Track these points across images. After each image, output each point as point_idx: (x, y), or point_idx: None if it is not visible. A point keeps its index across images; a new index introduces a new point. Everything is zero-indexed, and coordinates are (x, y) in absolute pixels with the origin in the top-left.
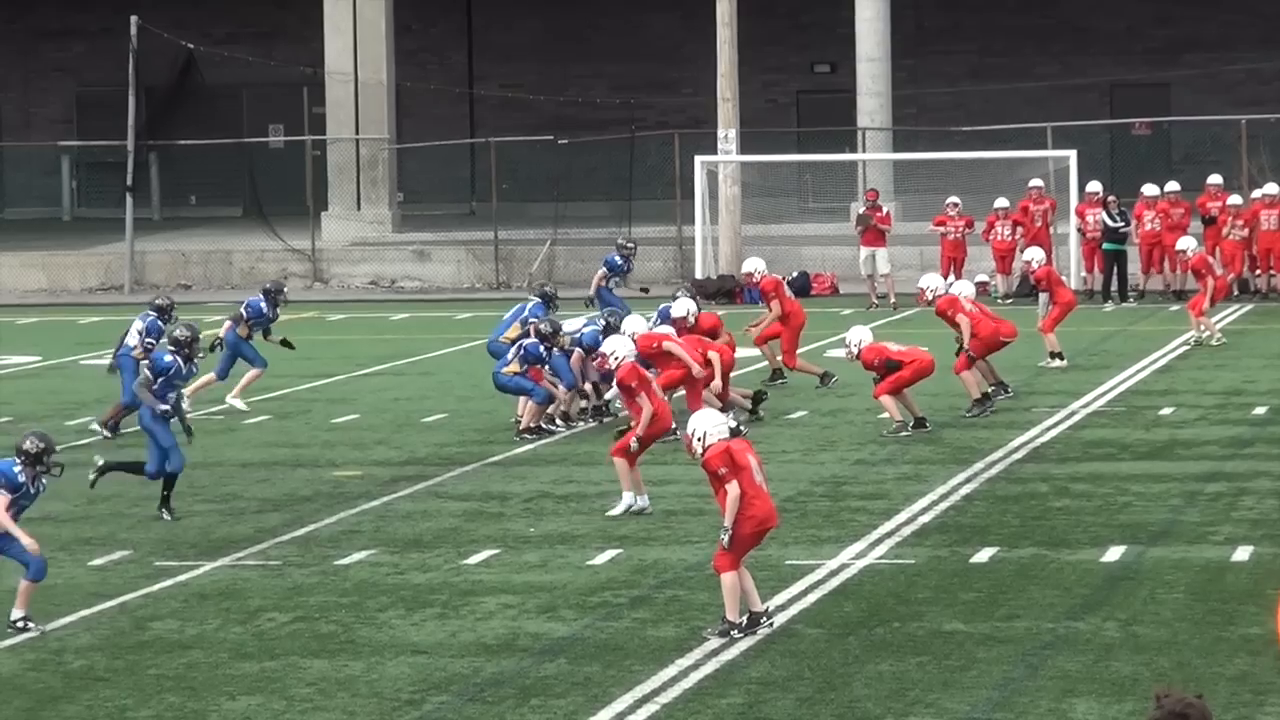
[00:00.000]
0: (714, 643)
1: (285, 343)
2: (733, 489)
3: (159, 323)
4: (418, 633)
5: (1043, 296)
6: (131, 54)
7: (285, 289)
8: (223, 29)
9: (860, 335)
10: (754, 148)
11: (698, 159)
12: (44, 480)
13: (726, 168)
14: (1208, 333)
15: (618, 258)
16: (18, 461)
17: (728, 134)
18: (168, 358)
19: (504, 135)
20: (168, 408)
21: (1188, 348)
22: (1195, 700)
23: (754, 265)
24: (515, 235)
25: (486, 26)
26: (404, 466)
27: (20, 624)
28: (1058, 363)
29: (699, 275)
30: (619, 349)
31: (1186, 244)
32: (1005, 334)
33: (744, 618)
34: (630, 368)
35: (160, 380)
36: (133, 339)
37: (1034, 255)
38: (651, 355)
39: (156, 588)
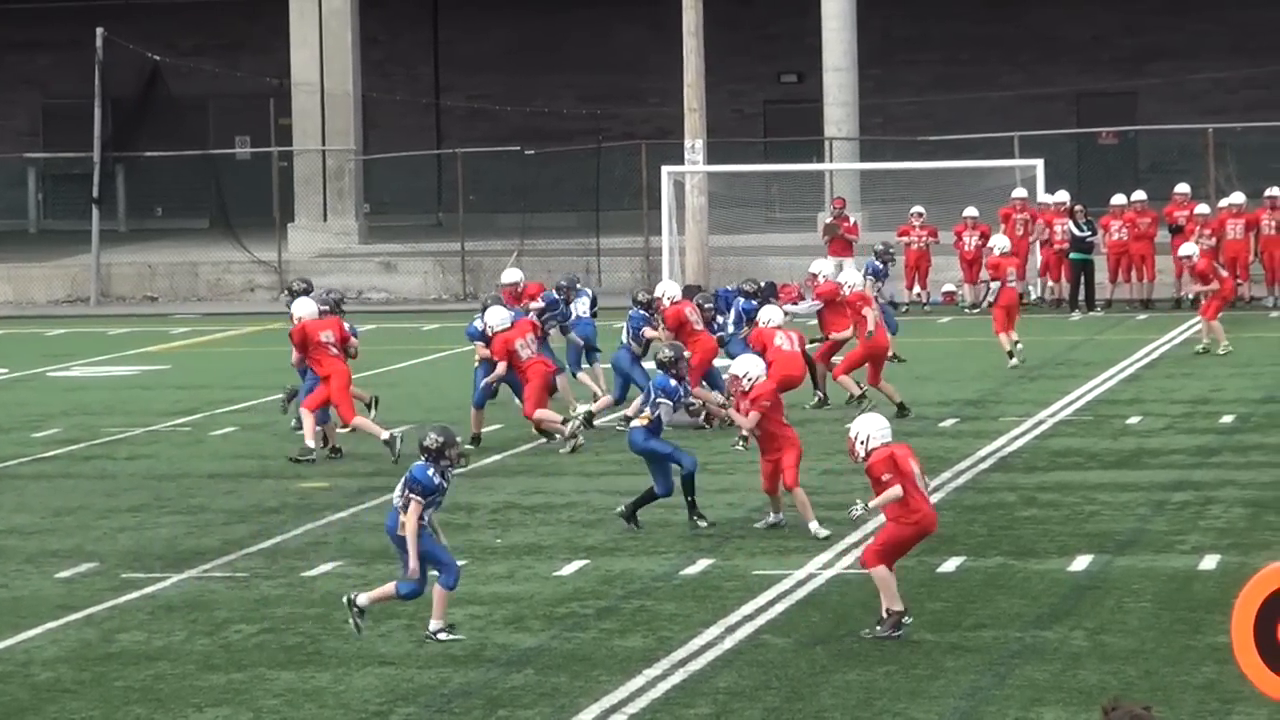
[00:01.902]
0: (681, 653)
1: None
2: (895, 490)
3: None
4: (385, 644)
5: (994, 285)
6: (98, 66)
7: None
8: (189, 41)
9: (769, 315)
10: (721, 158)
11: (664, 169)
12: (451, 474)
13: (693, 178)
14: (1219, 342)
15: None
16: (425, 461)
17: (694, 144)
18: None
19: (470, 146)
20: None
21: (1198, 351)
22: (1141, 711)
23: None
24: (482, 246)
25: (453, 38)
26: (371, 478)
27: (442, 634)
28: (1014, 361)
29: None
30: (752, 370)
31: (1190, 250)
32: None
33: (886, 614)
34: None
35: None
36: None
37: (997, 243)
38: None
39: (123, 600)
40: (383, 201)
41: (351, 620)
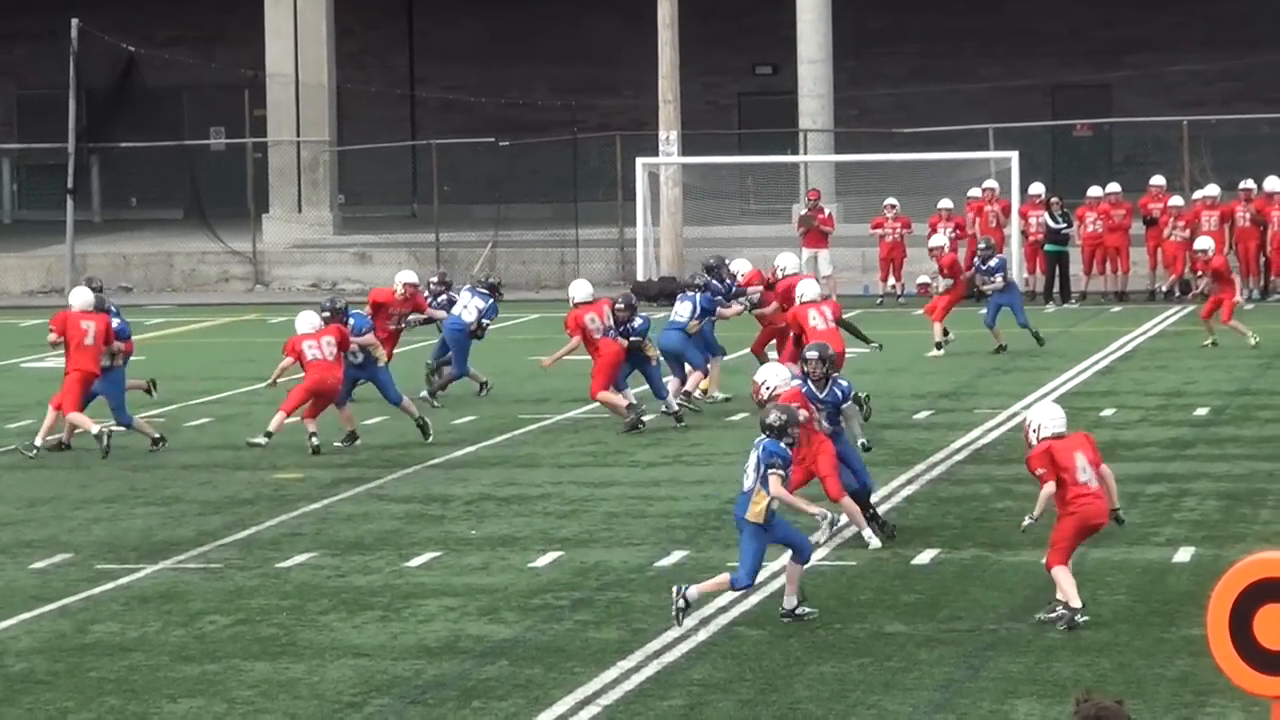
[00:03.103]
0: (655, 645)
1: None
2: (1047, 488)
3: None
4: (359, 635)
5: (943, 283)
6: (72, 56)
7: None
8: (164, 32)
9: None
10: (695, 149)
11: (639, 161)
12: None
13: (668, 170)
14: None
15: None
16: (771, 437)
17: (669, 136)
18: None
19: (445, 137)
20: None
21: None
22: (1112, 704)
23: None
24: (457, 237)
25: (428, 29)
26: (345, 469)
27: (797, 612)
28: (937, 352)
29: (640, 277)
30: (772, 379)
31: (1206, 244)
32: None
33: (1065, 608)
34: (794, 393)
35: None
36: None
37: (940, 242)
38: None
39: (97, 590)
40: (357, 193)
41: (676, 612)
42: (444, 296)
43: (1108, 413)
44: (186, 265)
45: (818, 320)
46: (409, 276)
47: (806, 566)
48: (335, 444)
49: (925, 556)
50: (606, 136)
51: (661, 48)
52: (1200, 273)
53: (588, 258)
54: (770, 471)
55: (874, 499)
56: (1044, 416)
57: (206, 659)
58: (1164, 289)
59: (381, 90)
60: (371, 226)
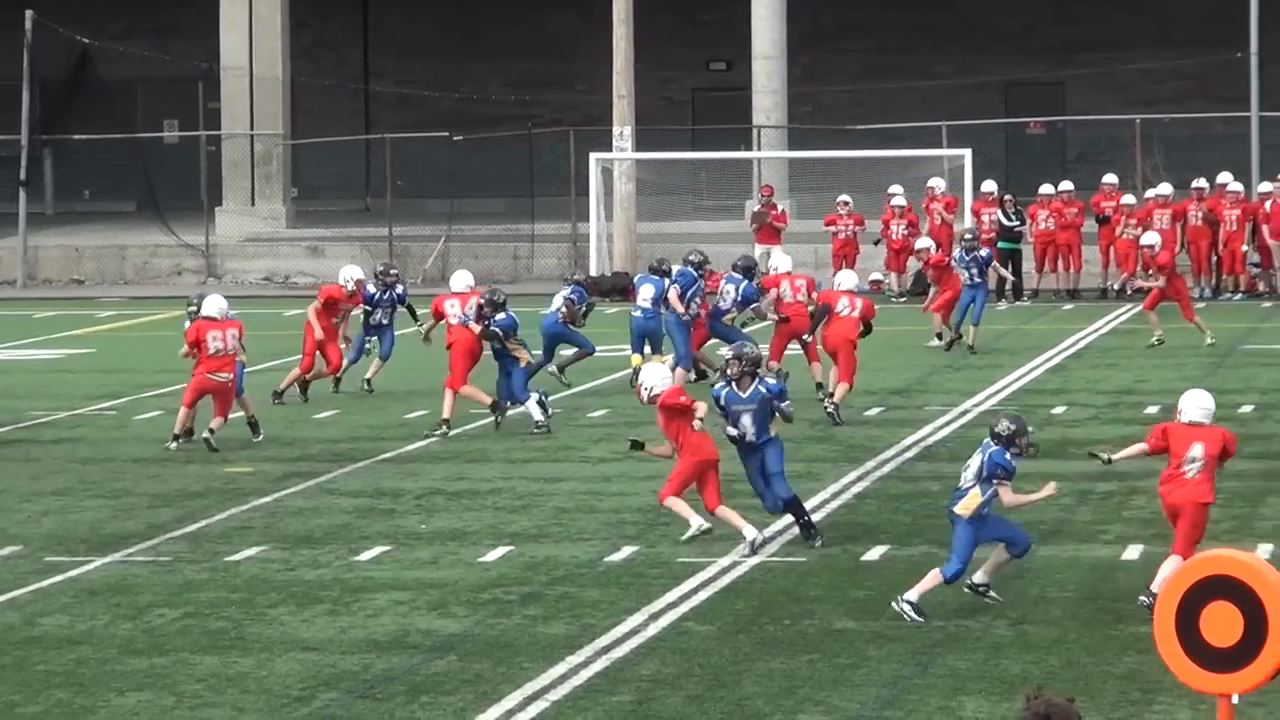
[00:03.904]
0: (604, 640)
1: None
2: (1135, 447)
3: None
4: (308, 629)
5: (933, 290)
6: (26, 48)
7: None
8: (118, 24)
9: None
10: (649, 145)
11: (593, 156)
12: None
13: (621, 165)
14: (1154, 332)
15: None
16: (999, 446)
17: (623, 131)
18: None
19: (399, 132)
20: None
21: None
22: (1062, 702)
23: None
24: (410, 231)
25: (382, 23)
26: (295, 463)
27: (980, 589)
28: (936, 342)
29: (593, 272)
30: (650, 379)
31: (1152, 239)
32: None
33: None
34: (675, 390)
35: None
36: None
37: (927, 244)
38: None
39: (46, 583)
40: (311, 186)
41: (909, 615)
42: (394, 290)
43: (1059, 410)
44: (139, 258)
45: (845, 307)
46: (356, 272)
47: (1019, 559)
48: (253, 441)
49: (875, 553)
50: (560, 132)
51: (616, 43)
52: (1150, 271)
53: (541, 253)
54: (998, 484)
55: (825, 495)
56: (1186, 402)
57: (155, 652)
58: (1116, 287)
59: (336, 84)
60: (324, 220)
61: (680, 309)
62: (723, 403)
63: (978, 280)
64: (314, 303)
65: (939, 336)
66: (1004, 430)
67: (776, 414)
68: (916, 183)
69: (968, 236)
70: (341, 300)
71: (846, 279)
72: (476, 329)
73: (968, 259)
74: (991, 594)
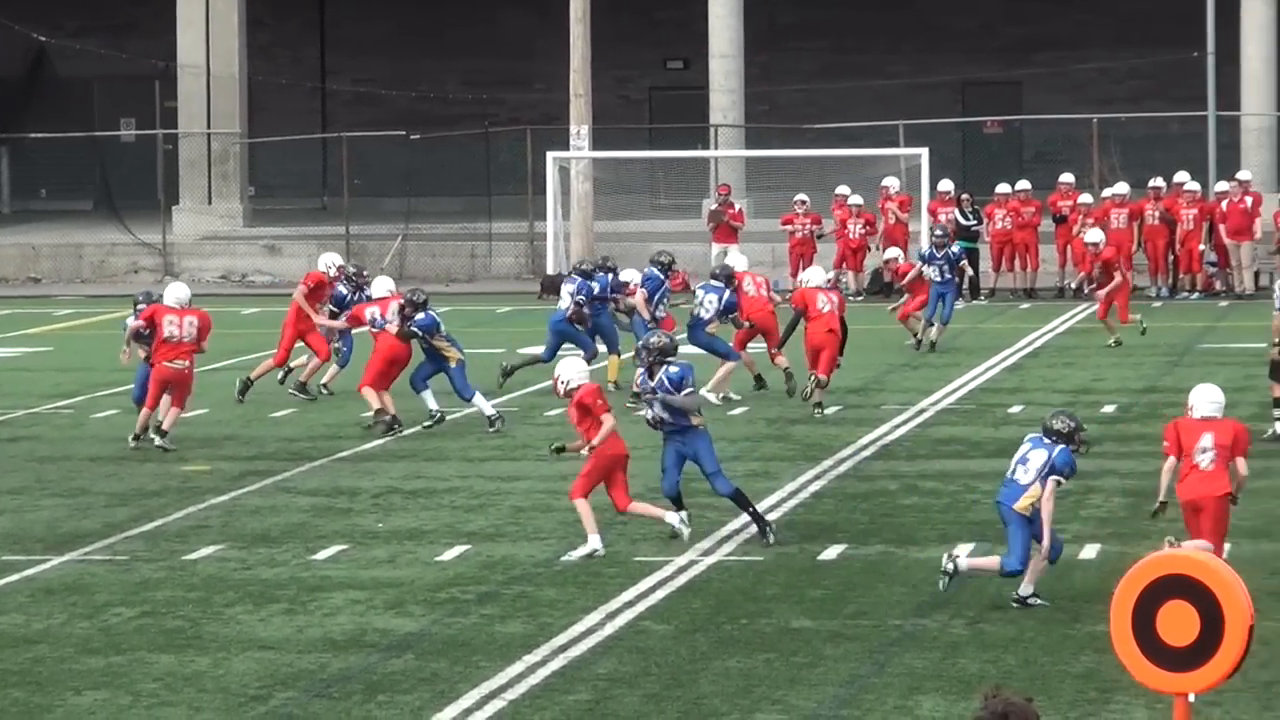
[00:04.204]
0: (561, 639)
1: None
2: (1166, 462)
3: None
4: (265, 628)
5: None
6: None
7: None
8: (75, 22)
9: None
10: (606, 144)
11: (550, 155)
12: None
13: (579, 164)
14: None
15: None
16: (1062, 445)
17: (580, 130)
18: None
19: (356, 130)
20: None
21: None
22: (1020, 701)
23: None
24: (367, 230)
25: (339, 21)
26: (252, 461)
27: (1028, 600)
28: (912, 341)
29: (550, 271)
30: (566, 374)
31: (1096, 237)
32: None
33: None
34: (592, 389)
35: None
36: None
37: (895, 254)
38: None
39: (2, 582)
40: (268, 185)
41: (945, 575)
42: (364, 291)
43: (1016, 410)
44: (96, 257)
45: (825, 303)
46: (336, 259)
47: (1051, 566)
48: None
49: (832, 552)
50: (517, 130)
51: (573, 42)
52: (1094, 270)
53: (498, 251)
54: (1054, 480)
55: (782, 494)
56: (1195, 397)
57: (112, 651)
58: (1073, 286)
59: (292, 83)
60: (281, 219)
61: (646, 315)
62: (638, 389)
63: (947, 277)
64: (299, 290)
65: (915, 338)
66: (1063, 427)
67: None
68: (873, 182)
69: (938, 233)
70: (327, 286)
71: (815, 275)
72: (393, 330)
73: (938, 256)
74: (1036, 599)
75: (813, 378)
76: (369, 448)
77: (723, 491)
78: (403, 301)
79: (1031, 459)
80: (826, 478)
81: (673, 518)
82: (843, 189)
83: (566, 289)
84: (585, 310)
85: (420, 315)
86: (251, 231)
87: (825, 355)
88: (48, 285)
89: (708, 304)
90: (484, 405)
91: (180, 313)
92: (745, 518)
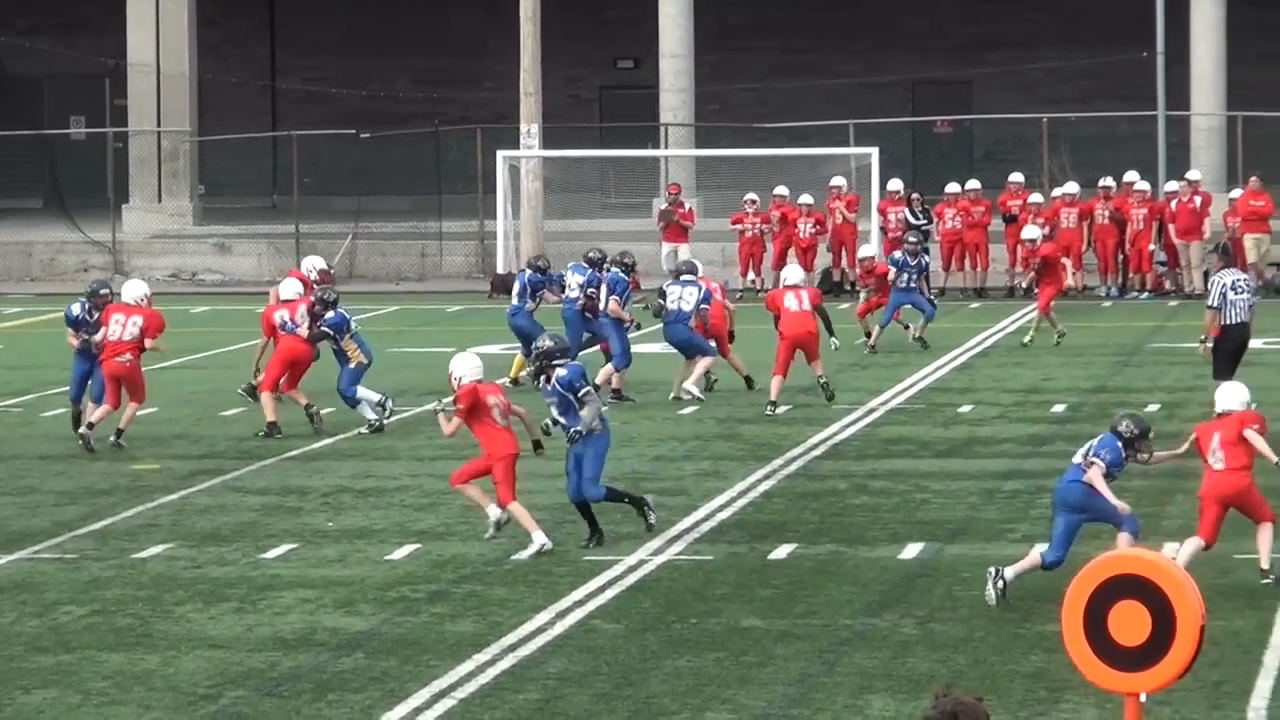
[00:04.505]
0: (511, 638)
1: None
2: (1174, 450)
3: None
4: (215, 627)
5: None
6: None
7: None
8: (25, 20)
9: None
10: (556, 143)
11: (500, 154)
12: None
13: (529, 163)
14: (1055, 328)
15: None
16: (1119, 441)
17: (530, 129)
18: None
19: (306, 129)
20: None
21: (1025, 344)
22: (971, 701)
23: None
24: (317, 229)
25: (289, 20)
26: (202, 460)
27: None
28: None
29: (500, 270)
30: (459, 369)
31: (1033, 233)
32: None
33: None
34: (469, 389)
35: None
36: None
37: (871, 253)
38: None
39: None
40: (218, 183)
41: (993, 590)
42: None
43: (966, 409)
44: (45, 255)
45: (793, 302)
46: (319, 262)
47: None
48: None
49: (781, 552)
50: (468, 129)
51: (523, 40)
52: (1030, 265)
53: (448, 250)
54: (1094, 461)
55: (732, 493)
56: (1220, 393)
57: (61, 649)
58: (1023, 286)
59: (242, 81)
60: (231, 217)
61: (624, 314)
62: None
63: (911, 285)
64: (274, 292)
65: (869, 337)
66: (1126, 431)
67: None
68: (824, 181)
69: (912, 240)
70: (307, 287)
71: (794, 273)
72: (304, 333)
73: (911, 264)
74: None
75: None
76: (318, 447)
77: (588, 494)
78: (312, 300)
79: (1085, 447)
80: (776, 477)
81: (539, 539)
82: (780, 189)
83: (575, 279)
84: (595, 300)
85: (330, 314)
86: (201, 230)
87: (812, 351)
88: None
89: (687, 297)
90: (367, 411)
91: (128, 311)
92: (693, 517)
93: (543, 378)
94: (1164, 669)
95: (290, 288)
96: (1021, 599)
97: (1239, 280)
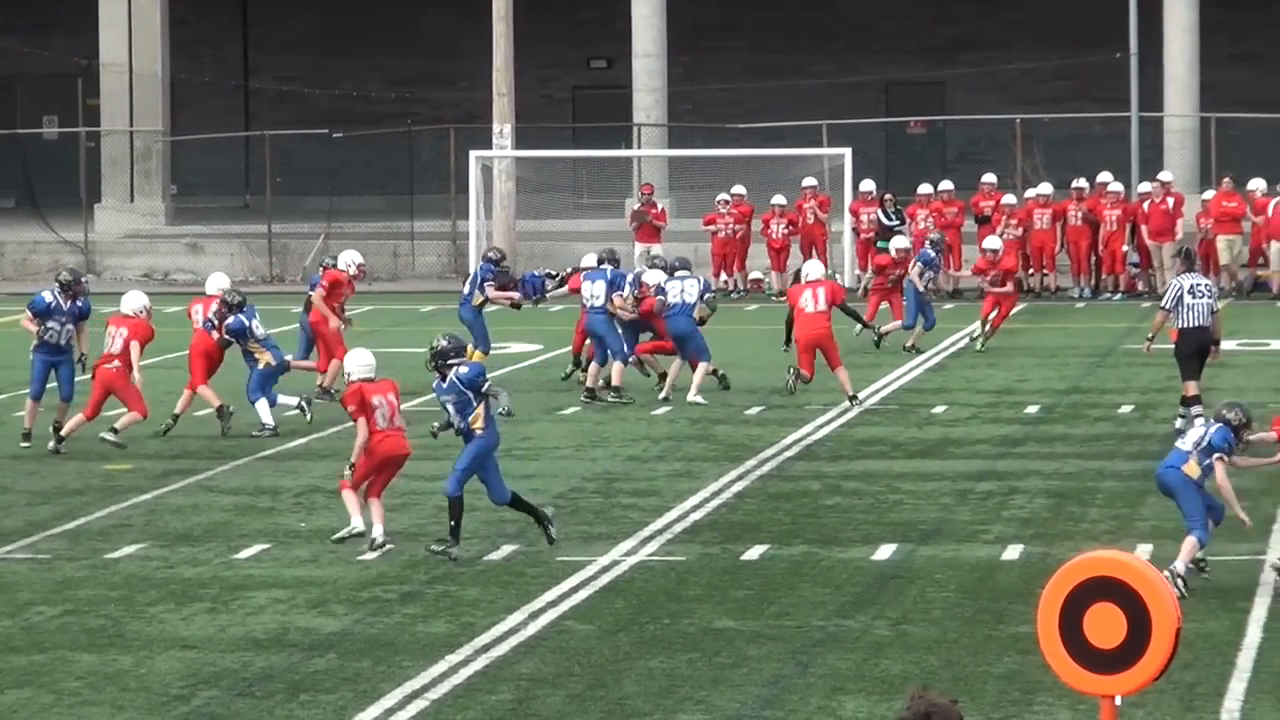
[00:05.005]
0: (484, 639)
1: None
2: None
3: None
4: (187, 627)
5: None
6: None
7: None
8: None
9: None
10: (529, 143)
11: (472, 154)
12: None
13: (501, 163)
14: (977, 341)
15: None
16: (1227, 429)
17: (503, 129)
18: None
19: (279, 128)
20: None
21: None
22: (944, 703)
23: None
24: (289, 229)
25: (261, 19)
26: (175, 460)
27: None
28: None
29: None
30: (349, 365)
31: (994, 244)
32: None
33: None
34: (355, 389)
35: None
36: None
37: (905, 244)
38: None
39: None
40: (190, 183)
41: (1179, 584)
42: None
43: (939, 410)
44: (18, 255)
45: (809, 302)
46: (356, 256)
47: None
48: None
49: (754, 552)
50: (440, 129)
51: (496, 40)
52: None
53: (421, 250)
54: (1217, 459)
55: (705, 494)
56: None
57: (34, 649)
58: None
59: (215, 80)
60: (204, 217)
61: (628, 309)
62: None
63: (928, 286)
64: (318, 293)
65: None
66: (1235, 418)
67: (488, 400)
68: (797, 182)
69: (934, 239)
70: (344, 285)
71: (814, 268)
72: (216, 336)
73: (935, 262)
74: (1204, 572)
75: (792, 370)
76: (292, 447)
77: (498, 499)
78: (219, 302)
79: (1189, 433)
80: (749, 478)
81: (357, 523)
82: (738, 189)
83: (597, 286)
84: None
85: (230, 319)
86: (174, 230)
87: (831, 354)
88: None
89: (689, 289)
90: (264, 414)
91: (119, 323)
92: (665, 518)
93: (439, 376)
94: (1140, 671)
95: (214, 282)
96: (994, 600)
97: (1198, 285)
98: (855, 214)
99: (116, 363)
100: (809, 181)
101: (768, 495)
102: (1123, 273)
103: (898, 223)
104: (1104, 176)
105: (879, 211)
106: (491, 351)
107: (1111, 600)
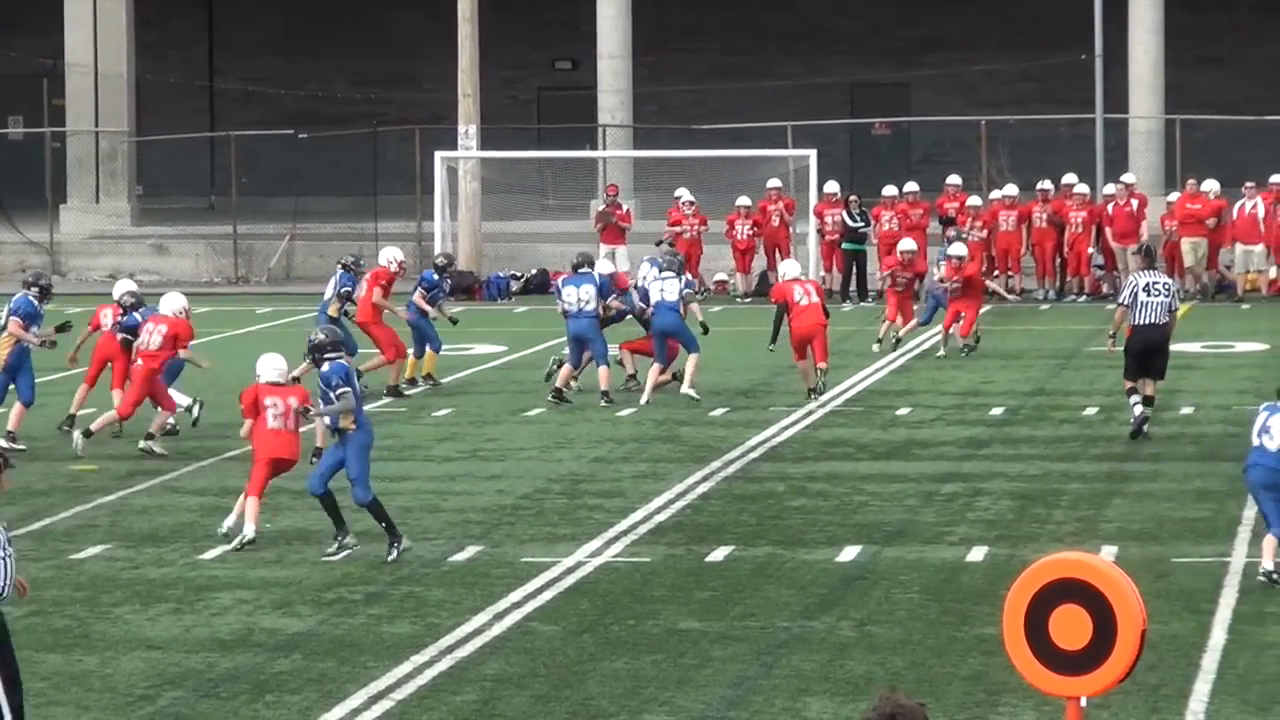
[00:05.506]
0: (449, 639)
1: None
2: None
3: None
4: (152, 628)
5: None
6: None
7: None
8: None
9: None
10: (494, 144)
11: (438, 155)
12: None
13: (466, 164)
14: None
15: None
16: None
17: (468, 130)
18: None
19: (244, 129)
20: None
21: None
22: (910, 704)
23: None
24: (255, 230)
25: (227, 20)
26: (140, 461)
27: (1274, 576)
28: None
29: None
30: (261, 369)
31: (960, 250)
32: None
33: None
34: (251, 389)
35: None
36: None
37: (911, 246)
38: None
39: None
40: (155, 184)
41: (1270, 579)
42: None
43: (904, 411)
44: None
45: (802, 296)
46: (397, 253)
47: None
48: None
49: (719, 554)
50: (406, 130)
51: (461, 41)
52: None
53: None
54: None
55: (670, 495)
56: None
57: None
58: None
59: (180, 81)
60: (169, 218)
61: (620, 306)
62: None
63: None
64: (375, 293)
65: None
66: None
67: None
68: (763, 184)
69: (952, 233)
70: (391, 280)
71: (790, 268)
72: (119, 338)
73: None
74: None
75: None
76: None
77: (357, 499)
78: (117, 302)
79: (1273, 425)
80: (714, 479)
81: (230, 521)
82: (680, 191)
83: (582, 291)
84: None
85: (124, 317)
86: (139, 230)
87: (817, 344)
88: None
89: (669, 289)
90: (181, 398)
91: (158, 320)
92: (630, 519)
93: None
94: (1105, 673)
95: (120, 287)
96: (959, 601)
97: (1155, 283)
98: (820, 216)
99: (141, 361)
100: (774, 183)
101: (733, 496)
102: (1088, 275)
103: (863, 224)
104: (1069, 178)
105: (844, 213)
106: (443, 350)
107: (1077, 602)
